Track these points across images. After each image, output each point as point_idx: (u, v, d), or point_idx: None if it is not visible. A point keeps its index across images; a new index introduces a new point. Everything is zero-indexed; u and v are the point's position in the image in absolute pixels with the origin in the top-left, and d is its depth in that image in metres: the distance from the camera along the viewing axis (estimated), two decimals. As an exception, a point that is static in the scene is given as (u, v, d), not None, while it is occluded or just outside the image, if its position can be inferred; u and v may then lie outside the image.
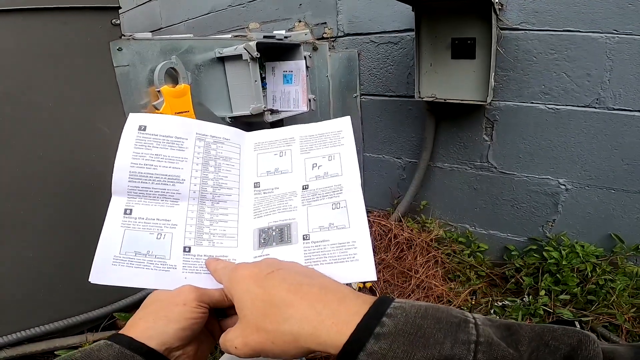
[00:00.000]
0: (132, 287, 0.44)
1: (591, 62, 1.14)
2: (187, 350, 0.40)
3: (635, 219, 1.22)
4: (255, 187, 0.53)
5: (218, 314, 0.45)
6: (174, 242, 0.47)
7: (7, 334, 1.00)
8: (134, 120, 0.49)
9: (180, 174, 0.49)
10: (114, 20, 0.97)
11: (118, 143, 0.48)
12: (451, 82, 1.29)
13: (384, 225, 1.59)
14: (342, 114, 1.08)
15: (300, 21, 1.65)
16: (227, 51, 1.17)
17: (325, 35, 1.60)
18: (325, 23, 1.59)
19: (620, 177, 1.20)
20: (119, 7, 0.99)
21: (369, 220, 0.47)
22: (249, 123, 1.25)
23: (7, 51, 0.88)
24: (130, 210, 0.47)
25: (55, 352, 1.05)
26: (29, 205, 0.98)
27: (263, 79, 1.37)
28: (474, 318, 0.30)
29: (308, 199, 0.50)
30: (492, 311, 1.26)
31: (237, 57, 1.15)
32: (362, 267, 0.44)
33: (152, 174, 0.48)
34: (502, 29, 1.22)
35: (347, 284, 0.38)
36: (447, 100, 1.30)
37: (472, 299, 1.32)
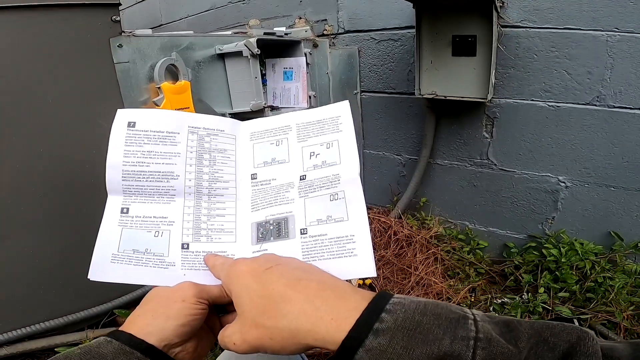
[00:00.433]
0: (131, 283, 0.44)
1: (592, 60, 1.14)
2: (187, 347, 0.40)
3: (634, 216, 1.22)
4: (252, 178, 0.51)
5: (218, 310, 0.45)
6: (171, 239, 0.46)
7: (7, 331, 1.00)
8: (122, 116, 0.48)
9: (174, 170, 0.48)
10: (114, 17, 0.97)
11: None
12: (452, 80, 1.29)
13: (384, 222, 1.59)
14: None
15: (300, 18, 1.64)
16: (228, 48, 1.17)
17: (325, 32, 1.59)
18: (325, 20, 1.58)
19: (620, 174, 1.20)
20: (119, 4, 0.98)
21: (368, 217, 0.46)
22: (249, 119, 1.25)
23: (7, 48, 0.87)
24: (127, 209, 0.46)
25: (55, 350, 1.06)
26: (29, 202, 0.98)
27: (263, 75, 1.37)
28: (473, 314, 0.30)
29: (305, 191, 0.48)
30: (491, 308, 1.26)
31: (238, 54, 1.15)
32: (361, 263, 0.43)
33: (145, 172, 0.47)
34: (503, 26, 1.22)
35: (347, 280, 0.38)
36: (448, 98, 1.30)
37: (471, 296, 1.32)
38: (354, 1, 1.50)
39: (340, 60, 1.59)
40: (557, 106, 1.23)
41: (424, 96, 1.34)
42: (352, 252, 0.43)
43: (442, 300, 1.29)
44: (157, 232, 0.46)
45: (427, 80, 1.33)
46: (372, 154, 1.69)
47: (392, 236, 1.53)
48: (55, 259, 1.04)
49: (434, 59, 1.30)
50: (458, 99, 1.29)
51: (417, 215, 1.61)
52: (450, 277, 1.41)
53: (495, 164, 1.40)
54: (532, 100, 1.26)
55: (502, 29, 1.22)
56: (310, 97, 1.38)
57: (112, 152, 0.46)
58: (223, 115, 1.23)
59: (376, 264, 0.80)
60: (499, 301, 1.28)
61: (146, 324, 0.38)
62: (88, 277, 0.44)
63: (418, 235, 1.51)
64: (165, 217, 0.47)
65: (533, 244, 1.37)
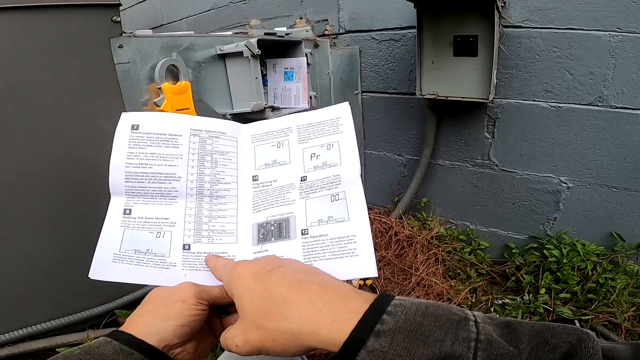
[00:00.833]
0: (131, 283, 0.44)
1: (594, 60, 1.13)
2: (187, 347, 0.40)
3: (636, 217, 1.22)
4: (253, 180, 0.52)
5: (219, 311, 0.45)
6: (173, 240, 0.47)
7: (9, 331, 1.01)
8: (126, 119, 0.49)
9: (176, 172, 0.49)
10: (115, 17, 0.97)
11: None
12: (453, 80, 1.29)
13: (385, 222, 1.58)
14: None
15: (301, 18, 1.64)
16: (228, 48, 1.17)
17: (326, 32, 1.59)
18: (326, 20, 1.58)
19: (622, 175, 1.20)
20: (120, 4, 0.99)
21: (369, 217, 0.46)
22: (249, 120, 1.24)
23: (8, 49, 0.87)
24: (130, 210, 0.47)
25: (56, 350, 1.06)
26: (30, 202, 0.98)
27: (264, 76, 1.36)
28: (474, 316, 0.30)
29: (306, 191, 0.49)
30: (492, 309, 1.26)
31: (238, 54, 1.15)
32: (362, 263, 0.43)
33: (148, 173, 0.48)
34: (504, 26, 1.22)
35: (348, 281, 0.38)
36: (449, 98, 1.30)
37: (472, 296, 1.32)
38: (355, 1, 1.49)
39: (341, 60, 1.59)
40: (559, 107, 1.22)
41: (425, 96, 1.34)
42: (353, 252, 0.43)
43: (443, 301, 1.29)
44: (158, 233, 0.47)
45: (428, 81, 1.33)
46: (373, 154, 1.69)
47: (393, 237, 1.53)
48: (56, 259, 1.04)
49: (435, 59, 1.30)
50: (459, 99, 1.29)
51: (418, 216, 1.61)
52: (451, 278, 1.41)
53: (496, 165, 1.40)
54: (534, 100, 1.26)
55: (504, 29, 1.22)
56: (311, 97, 1.38)
57: (116, 154, 0.47)
58: (224, 115, 1.23)
59: (377, 265, 0.80)
60: (500, 302, 1.28)
61: (146, 325, 0.38)
62: (89, 275, 0.44)
63: (419, 235, 1.50)
64: (167, 218, 0.48)
65: (534, 245, 1.37)
